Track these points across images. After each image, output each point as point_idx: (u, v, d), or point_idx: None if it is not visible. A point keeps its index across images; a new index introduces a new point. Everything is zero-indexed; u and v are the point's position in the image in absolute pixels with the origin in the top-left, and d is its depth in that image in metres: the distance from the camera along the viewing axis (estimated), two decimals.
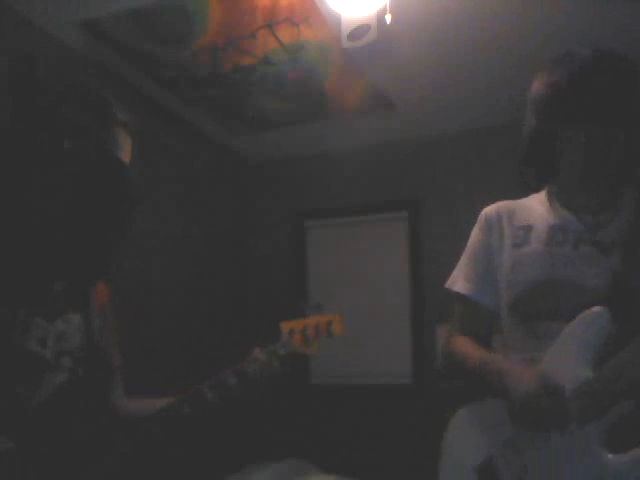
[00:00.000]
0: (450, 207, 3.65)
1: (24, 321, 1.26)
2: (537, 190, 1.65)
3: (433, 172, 3.80)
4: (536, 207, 1.60)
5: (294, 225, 4.11)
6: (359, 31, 2.32)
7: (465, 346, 1.60)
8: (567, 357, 1.38)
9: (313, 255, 4.08)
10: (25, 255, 1.32)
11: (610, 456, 1.29)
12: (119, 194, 1.41)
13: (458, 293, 1.64)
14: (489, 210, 1.66)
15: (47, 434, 1.24)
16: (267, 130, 3.72)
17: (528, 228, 1.57)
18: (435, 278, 3.77)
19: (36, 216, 1.31)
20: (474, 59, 2.95)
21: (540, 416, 1.34)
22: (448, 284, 1.68)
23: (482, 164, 3.61)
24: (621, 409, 1.30)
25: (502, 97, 3.23)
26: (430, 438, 1.72)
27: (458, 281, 1.66)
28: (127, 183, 1.42)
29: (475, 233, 1.67)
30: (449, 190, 3.71)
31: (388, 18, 2.23)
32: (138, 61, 2.90)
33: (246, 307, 4.04)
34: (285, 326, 1.58)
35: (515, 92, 1.98)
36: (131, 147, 1.46)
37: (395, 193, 3.88)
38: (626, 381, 1.29)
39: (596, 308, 1.35)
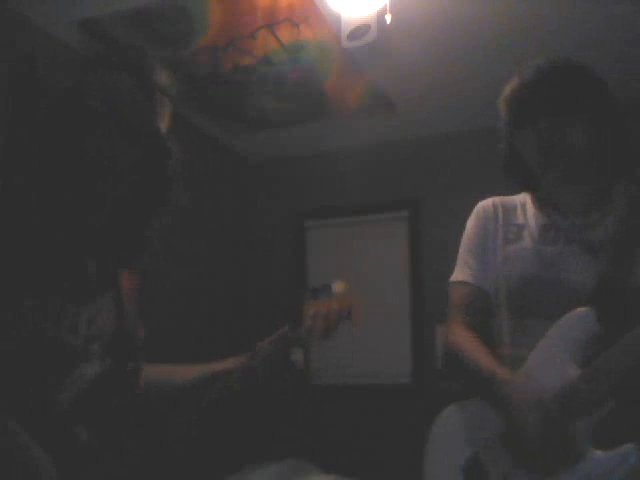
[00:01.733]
0: (450, 207, 3.64)
1: (56, 310, 1.20)
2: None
3: (433, 172, 3.79)
4: (529, 205, 1.62)
5: (294, 225, 4.11)
6: (359, 31, 2.31)
7: (463, 341, 1.56)
8: (552, 357, 1.37)
9: (313, 255, 4.08)
10: (58, 236, 1.23)
11: (597, 453, 1.29)
12: (155, 165, 1.31)
13: (460, 281, 1.63)
14: (485, 203, 1.67)
15: (80, 429, 1.18)
16: (267, 130, 3.72)
17: (521, 226, 1.58)
18: (435, 278, 3.81)
19: (73, 192, 1.22)
20: (474, 59, 2.95)
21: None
22: (451, 279, 1.67)
23: (482, 164, 3.59)
24: (605, 407, 1.29)
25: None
26: None
27: (458, 272, 1.65)
28: (165, 154, 1.32)
29: (470, 225, 1.67)
30: (449, 190, 3.70)
31: (388, 18, 2.22)
32: None
33: (246, 307, 4.04)
34: (308, 309, 1.40)
35: None
36: (170, 115, 1.36)
37: (395, 193, 3.88)
38: (612, 380, 1.29)
39: (582, 309, 1.35)
